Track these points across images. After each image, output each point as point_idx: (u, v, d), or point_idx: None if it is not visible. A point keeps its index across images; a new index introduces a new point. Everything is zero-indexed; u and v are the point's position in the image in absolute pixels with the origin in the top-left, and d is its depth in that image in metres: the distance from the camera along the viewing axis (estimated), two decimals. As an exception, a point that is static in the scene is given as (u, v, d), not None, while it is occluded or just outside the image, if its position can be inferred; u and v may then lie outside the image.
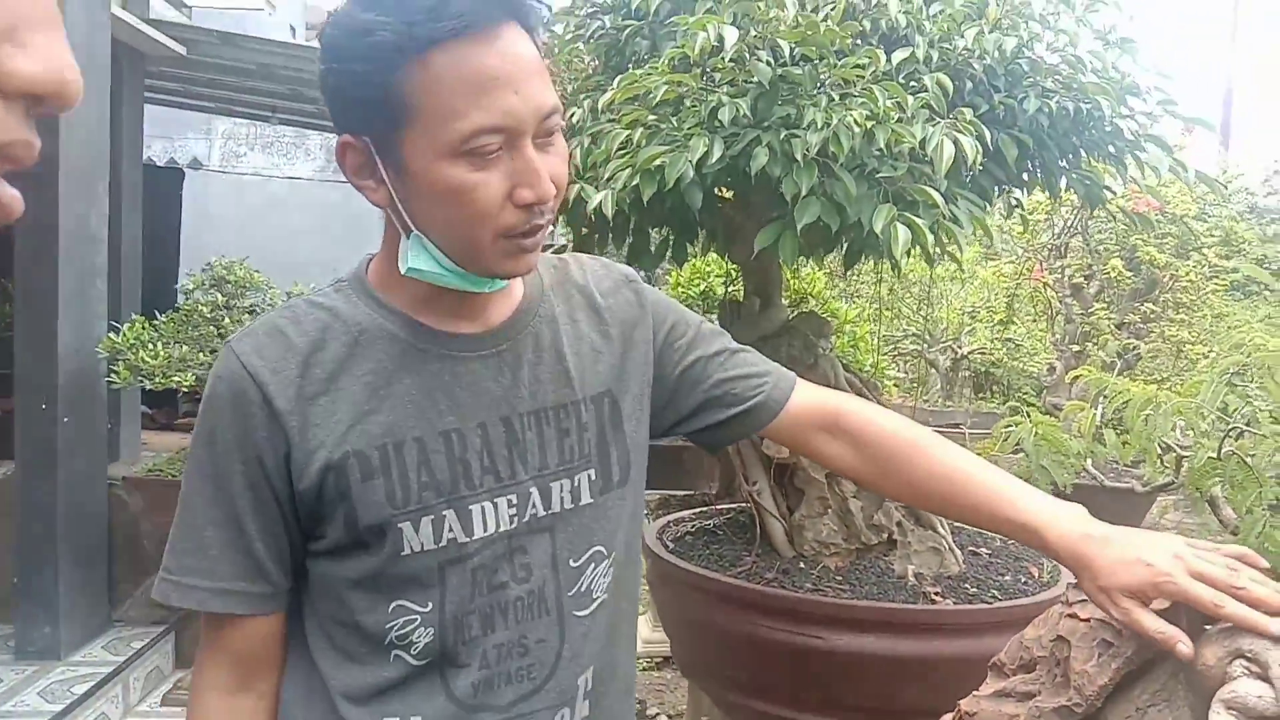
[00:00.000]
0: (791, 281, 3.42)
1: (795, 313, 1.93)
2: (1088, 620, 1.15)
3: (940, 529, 1.86)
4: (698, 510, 2.20)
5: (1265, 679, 0.94)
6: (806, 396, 1.11)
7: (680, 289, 3.43)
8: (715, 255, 2.95)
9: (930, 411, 4.68)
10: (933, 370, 5.04)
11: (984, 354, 4.86)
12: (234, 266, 3.74)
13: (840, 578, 1.78)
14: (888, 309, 5.05)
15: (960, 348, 4.81)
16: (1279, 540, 2.62)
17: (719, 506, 2.18)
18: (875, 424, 1.07)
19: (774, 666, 1.69)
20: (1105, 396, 3.01)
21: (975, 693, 1.19)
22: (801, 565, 1.82)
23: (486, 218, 0.87)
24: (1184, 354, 3.77)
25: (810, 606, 1.66)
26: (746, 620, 1.69)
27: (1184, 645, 0.88)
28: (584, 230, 1.90)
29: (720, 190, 1.75)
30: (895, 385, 5.27)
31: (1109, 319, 4.04)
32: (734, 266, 2.10)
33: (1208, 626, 0.96)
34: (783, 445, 1.16)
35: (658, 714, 3.70)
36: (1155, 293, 4.14)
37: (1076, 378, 2.99)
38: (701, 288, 3.37)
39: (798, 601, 1.67)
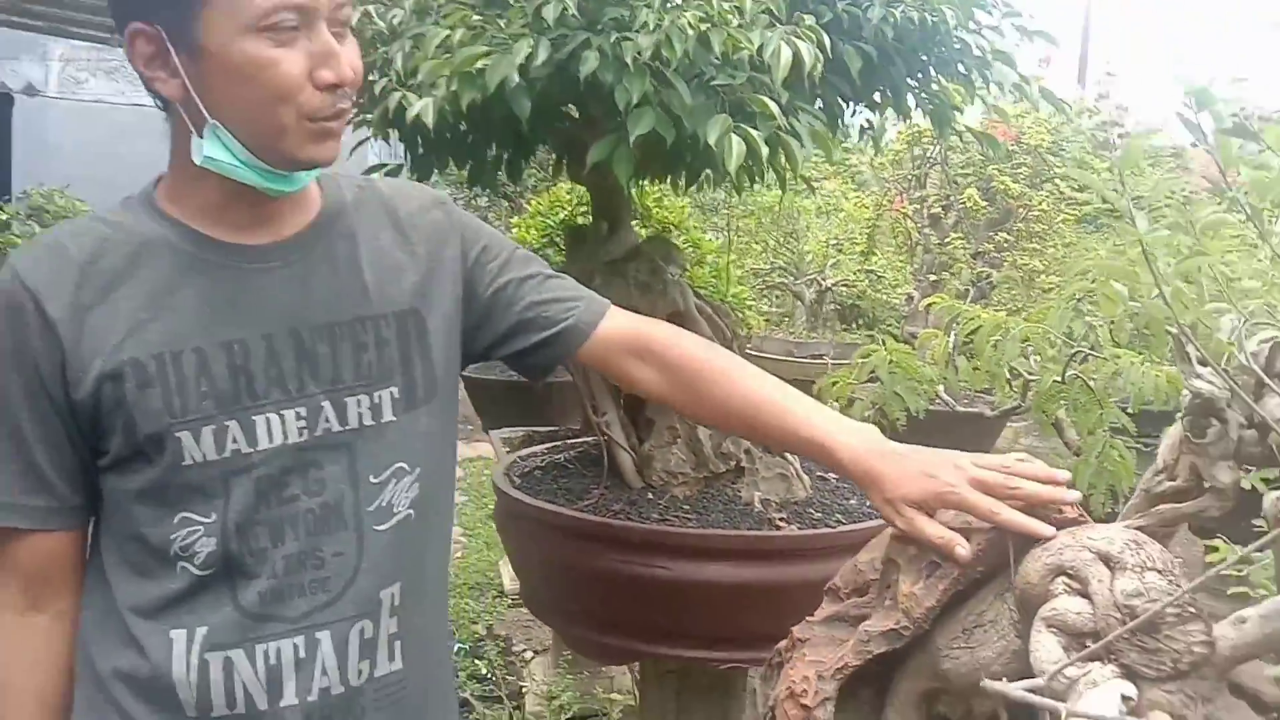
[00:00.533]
0: (655, 211, 3.36)
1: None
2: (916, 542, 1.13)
3: (789, 455, 1.84)
4: (550, 445, 2.13)
5: (1084, 595, 0.93)
6: (618, 322, 1.11)
7: (539, 218, 3.33)
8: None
9: (795, 343, 4.74)
10: (799, 303, 5.10)
11: (848, 286, 4.94)
12: (54, 195, 3.46)
13: (688, 506, 1.74)
14: (756, 242, 5.06)
15: (825, 280, 4.87)
16: (1118, 460, 2.73)
17: (571, 441, 2.11)
18: (683, 349, 1.09)
19: (621, 599, 1.64)
20: (957, 324, 3.06)
21: (809, 618, 1.17)
22: (650, 496, 1.78)
23: (288, 97, 0.88)
24: (1035, 283, 3.90)
25: (656, 537, 1.61)
26: (592, 554, 1.64)
27: (962, 548, 0.91)
28: (420, 150, 1.77)
29: (565, 107, 1.66)
30: (764, 319, 5.32)
31: (965, 249, 4.15)
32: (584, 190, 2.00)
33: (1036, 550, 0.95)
34: (592, 368, 1.18)
35: (524, 649, 3.68)
36: (1010, 223, 4.27)
37: (931, 304, 3.03)
38: (561, 216, 3.28)
39: (644, 533, 1.62)
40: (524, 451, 2.04)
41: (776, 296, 5.42)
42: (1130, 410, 2.80)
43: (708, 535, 1.61)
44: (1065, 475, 0.94)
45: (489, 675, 3.08)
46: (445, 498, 1.11)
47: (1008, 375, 3.01)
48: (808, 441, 1.02)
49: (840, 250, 5.06)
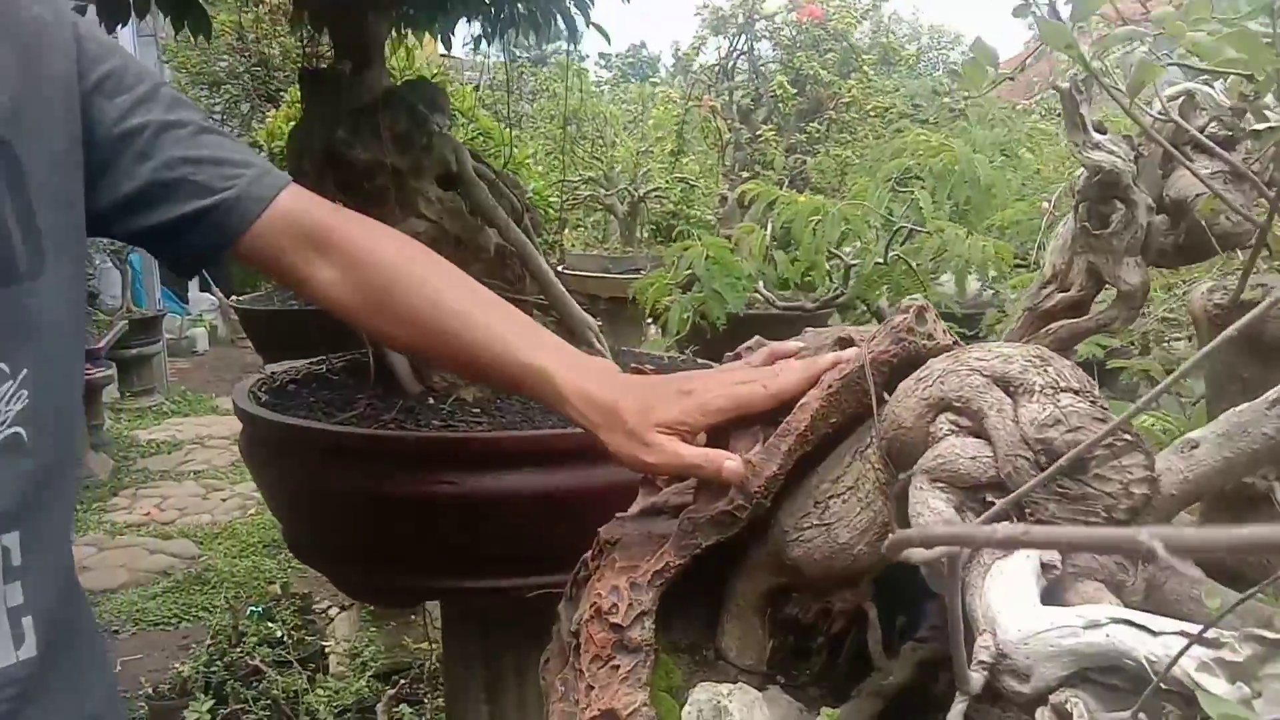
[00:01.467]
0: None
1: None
2: (753, 398, 0.88)
3: (599, 344, 1.56)
4: (313, 360, 1.76)
5: (978, 433, 0.69)
6: (301, 204, 0.86)
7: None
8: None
9: (611, 259, 4.48)
10: (612, 217, 4.83)
11: (661, 197, 4.70)
12: None
13: (479, 410, 1.44)
14: (564, 153, 4.73)
15: (637, 191, 4.62)
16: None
17: (338, 353, 1.75)
18: (379, 247, 0.87)
19: (400, 528, 1.33)
20: (774, 211, 2.88)
21: (619, 514, 0.90)
22: (431, 402, 1.46)
23: None
24: (848, 173, 3.77)
25: (437, 446, 1.31)
26: (359, 475, 1.31)
27: (732, 463, 0.74)
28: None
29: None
30: (577, 227, 5.04)
31: (777, 142, 3.98)
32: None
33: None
34: (258, 265, 0.87)
35: (328, 606, 3.32)
36: (821, 113, 4.13)
37: (745, 192, 2.83)
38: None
39: (421, 442, 1.31)
40: (276, 366, 1.67)
41: (587, 212, 5.13)
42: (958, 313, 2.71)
43: (500, 439, 1.32)
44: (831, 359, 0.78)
45: (283, 638, 2.70)
46: (71, 421, 0.82)
47: (827, 265, 2.85)
48: (524, 369, 0.82)
49: (651, 155, 4.80)
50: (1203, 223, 0.71)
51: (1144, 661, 0.50)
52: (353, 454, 1.33)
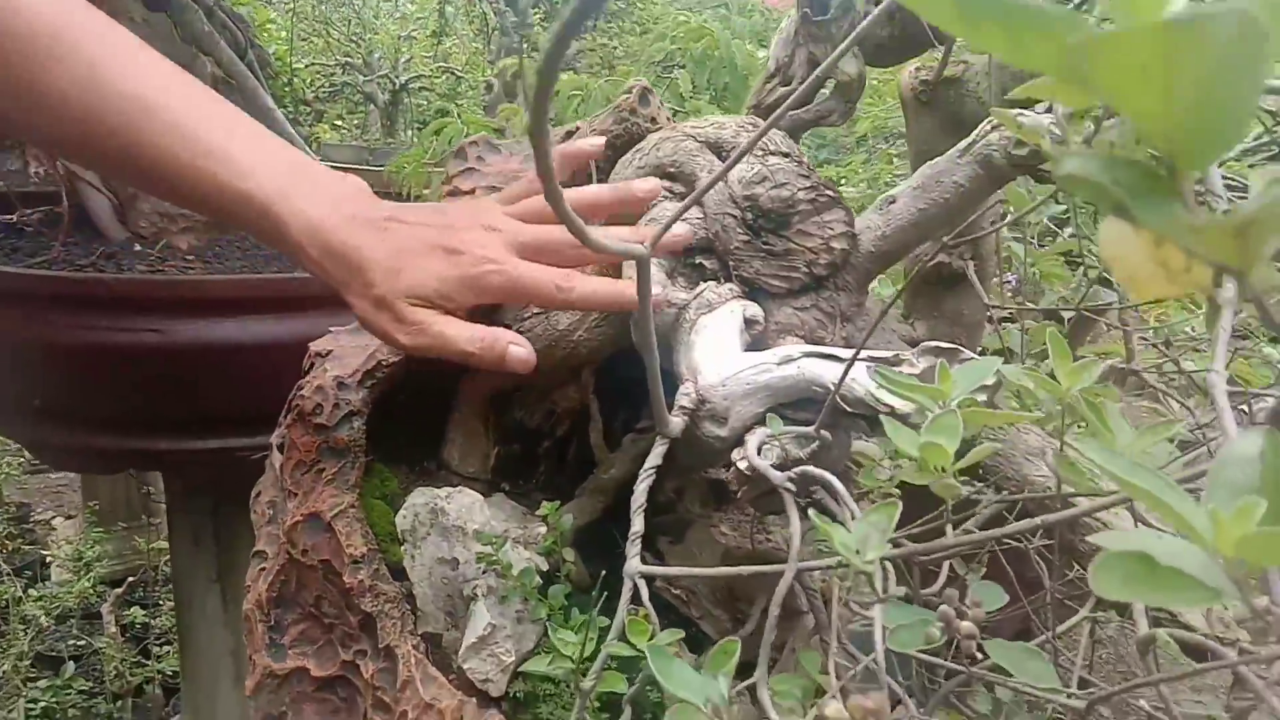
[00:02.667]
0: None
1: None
2: (471, 191, 0.83)
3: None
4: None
5: (684, 196, 0.68)
6: None
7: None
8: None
9: (370, 150, 4.23)
10: (372, 106, 4.56)
11: (425, 89, 4.48)
12: None
13: (194, 258, 1.31)
14: (317, 35, 4.39)
15: (398, 78, 4.37)
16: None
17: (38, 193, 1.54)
18: (26, 6, 0.58)
19: (98, 382, 1.19)
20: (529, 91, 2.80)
21: (332, 328, 0.83)
22: (138, 248, 1.31)
23: None
24: (616, 67, 3.73)
25: (138, 290, 1.17)
26: (50, 324, 1.16)
27: (519, 348, 0.60)
28: None
29: None
30: (337, 125, 4.72)
31: (544, 29, 3.86)
32: None
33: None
34: None
35: (52, 516, 3.02)
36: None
37: (511, 75, 2.72)
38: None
39: (117, 285, 1.17)
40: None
41: (345, 100, 4.81)
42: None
43: (209, 282, 1.20)
44: (649, 183, 0.64)
45: (-10, 549, 2.43)
46: None
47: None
48: (229, 194, 0.60)
49: (414, 39, 4.54)
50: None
51: (830, 386, 0.50)
52: (43, 301, 1.17)
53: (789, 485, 0.45)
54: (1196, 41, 0.18)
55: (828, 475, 0.44)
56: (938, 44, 0.73)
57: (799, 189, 0.59)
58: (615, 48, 3.80)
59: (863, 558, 0.35)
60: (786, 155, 0.62)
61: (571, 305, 0.61)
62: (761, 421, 0.53)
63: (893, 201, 0.60)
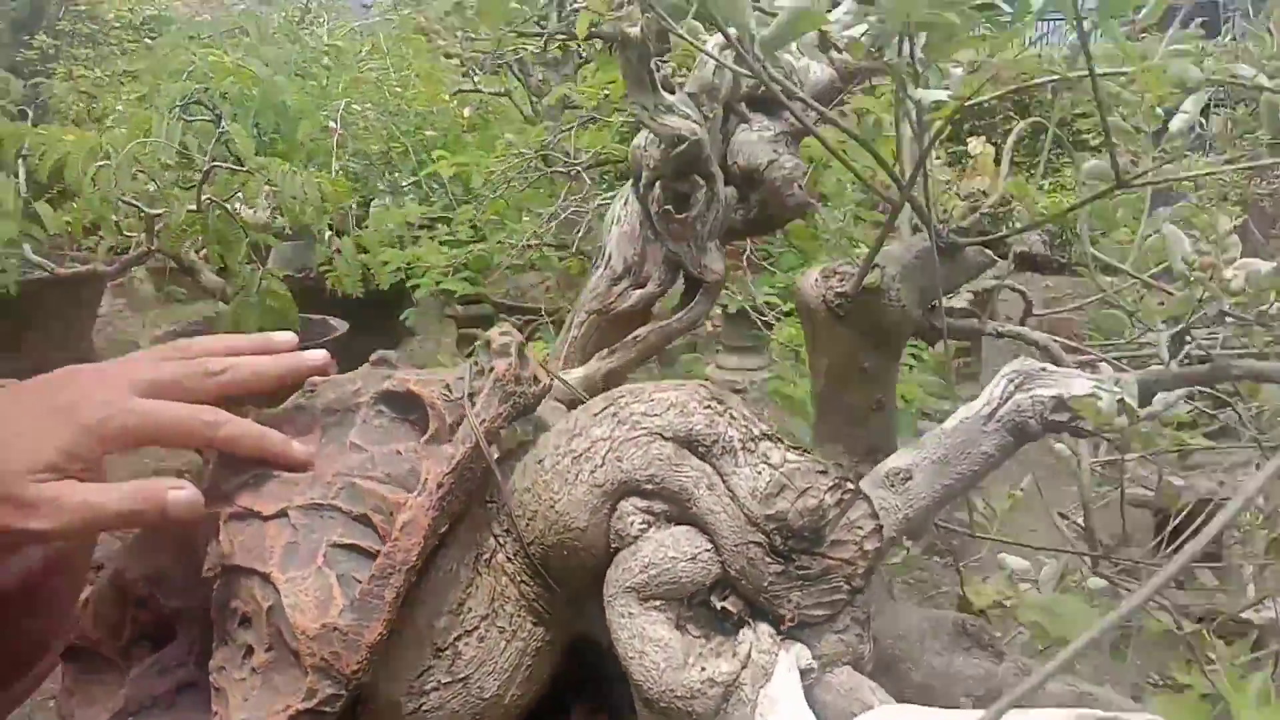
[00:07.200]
0: None
1: None
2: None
3: None
4: None
5: (688, 520, 0.53)
6: None
7: None
8: None
9: None
10: None
11: None
12: None
13: None
14: None
15: None
16: (280, 294, 2.34)
17: None
18: None
19: None
20: (24, 156, 2.23)
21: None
22: None
23: None
24: (101, 98, 3.07)
25: None
26: None
27: (178, 492, 0.49)
28: None
29: None
30: None
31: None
32: None
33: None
34: None
35: None
36: (43, 23, 3.20)
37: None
38: None
39: None
40: None
41: None
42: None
43: None
44: (286, 336, 0.57)
45: None
46: None
47: (117, 216, 2.32)
48: None
49: None
50: (782, 191, 0.63)
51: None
52: None
53: None
54: None
55: None
56: (797, 218, 0.65)
57: (824, 490, 0.48)
58: (99, 79, 3.12)
59: None
60: (773, 438, 0.50)
61: (231, 432, 0.51)
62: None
63: (908, 477, 0.51)
